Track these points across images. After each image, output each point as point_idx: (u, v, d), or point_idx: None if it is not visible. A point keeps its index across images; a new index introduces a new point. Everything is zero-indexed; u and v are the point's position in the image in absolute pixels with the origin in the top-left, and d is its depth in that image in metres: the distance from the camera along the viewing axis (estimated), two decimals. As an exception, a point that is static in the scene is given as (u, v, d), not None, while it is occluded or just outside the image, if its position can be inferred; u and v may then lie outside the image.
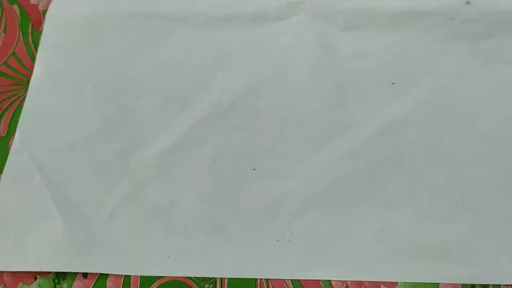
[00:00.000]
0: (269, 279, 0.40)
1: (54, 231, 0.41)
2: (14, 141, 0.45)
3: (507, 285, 0.40)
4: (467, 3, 0.51)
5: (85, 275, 0.40)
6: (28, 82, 0.48)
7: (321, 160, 0.44)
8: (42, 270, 0.40)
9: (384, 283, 0.40)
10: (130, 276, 0.40)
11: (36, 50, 0.50)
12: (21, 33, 0.52)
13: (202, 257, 0.40)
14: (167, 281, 0.40)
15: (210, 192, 0.43)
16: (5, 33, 0.52)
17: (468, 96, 0.47)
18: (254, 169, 0.44)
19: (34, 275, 0.40)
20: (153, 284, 0.40)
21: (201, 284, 0.40)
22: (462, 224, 0.42)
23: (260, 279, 0.40)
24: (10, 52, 0.51)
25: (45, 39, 0.51)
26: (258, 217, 0.42)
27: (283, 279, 0.40)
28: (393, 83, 0.48)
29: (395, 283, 0.40)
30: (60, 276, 0.40)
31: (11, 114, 0.47)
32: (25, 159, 0.45)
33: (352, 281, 0.40)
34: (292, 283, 0.40)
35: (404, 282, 0.40)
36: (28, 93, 0.48)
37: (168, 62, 0.50)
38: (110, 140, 0.45)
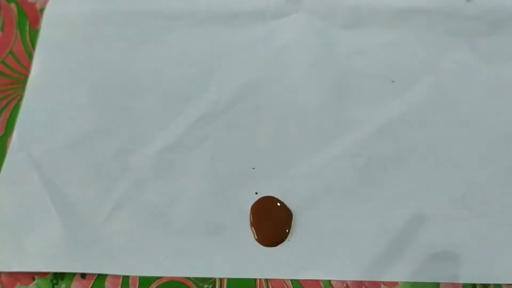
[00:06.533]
0: (269, 279, 0.40)
1: (52, 231, 0.41)
2: (11, 140, 0.45)
3: (508, 285, 0.39)
4: (467, 0, 0.51)
5: (83, 275, 0.40)
6: (26, 80, 0.48)
7: (321, 159, 0.44)
8: (40, 271, 0.40)
9: (384, 282, 0.40)
10: (128, 276, 0.40)
11: (34, 48, 0.50)
12: (18, 32, 0.52)
13: (201, 257, 0.40)
14: (165, 281, 0.40)
15: (209, 191, 0.43)
16: (2, 31, 0.52)
17: (468, 94, 0.47)
18: (253, 168, 0.44)
19: (32, 275, 0.40)
20: (152, 285, 0.40)
21: (200, 285, 0.40)
22: (463, 223, 0.41)
23: (259, 279, 0.40)
24: (8, 50, 0.50)
25: (43, 37, 0.51)
26: (258, 217, 0.42)
27: (282, 279, 0.40)
28: (393, 81, 0.48)
29: (396, 283, 0.40)
30: (58, 276, 0.40)
31: (9, 113, 0.47)
32: (23, 158, 0.44)
33: (352, 281, 0.40)
34: (292, 283, 0.40)
35: (404, 282, 0.40)
36: (25, 92, 0.48)
37: (166, 61, 0.49)
38: (109, 139, 0.45)
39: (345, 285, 0.40)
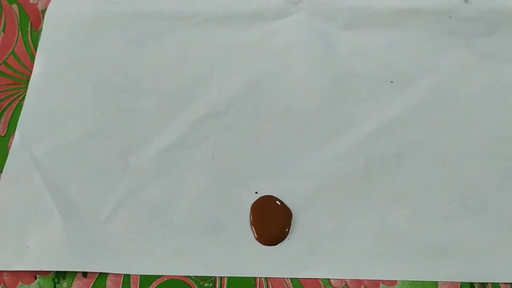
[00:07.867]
0: (269, 277, 0.40)
1: (53, 230, 0.41)
2: (13, 140, 0.45)
3: (505, 283, 0.40)
4: (466, 1, 0.51)
5: (84, 274, 0.40)
6: (28, 81, 0.49)
7: (320, 158, 0.44)
8: (42, 270, 0.40)
9: (383, 281, 0.40)
10: (129, 275, 0.40)
11: (36, 49, 0.51)
12: (20, 33, 0.52)
13: (201, 256, 0.41)
14: (166, 280, 0.40)
15: (209, 191, 0.43)
16: (4, 32, 0.52)
17: (466, 94, 0.48)
18: (253, 167, 0.44)
19: (34, 274, 0.40)
20: (153, 283, 0.40)
21: (200, 283, 0.40)
22: (461, 222, 0.42)
23: (259, 277, 0.40)
24: (10, 51, 0.51)
25: (45, 38, 0.51)
26: (258, 216, 0.42)
27: (282, 278, 0.40)
28: (391, 82, 0.48)
29: (394, 282, 0.40)
30: (60, 275, 0.40)
31: (11, 113, 0.47)
32: (25, 158, 0.45)
33: (351, 280, 0.40)
34: (292, 282, 0.40)
35: (403, 281, 0.40)
36: (27, 92, 0.48)
37: (167, 61, 0.50)
38: (110, 139, 0.46)
39: (344, 283, 0.40)
